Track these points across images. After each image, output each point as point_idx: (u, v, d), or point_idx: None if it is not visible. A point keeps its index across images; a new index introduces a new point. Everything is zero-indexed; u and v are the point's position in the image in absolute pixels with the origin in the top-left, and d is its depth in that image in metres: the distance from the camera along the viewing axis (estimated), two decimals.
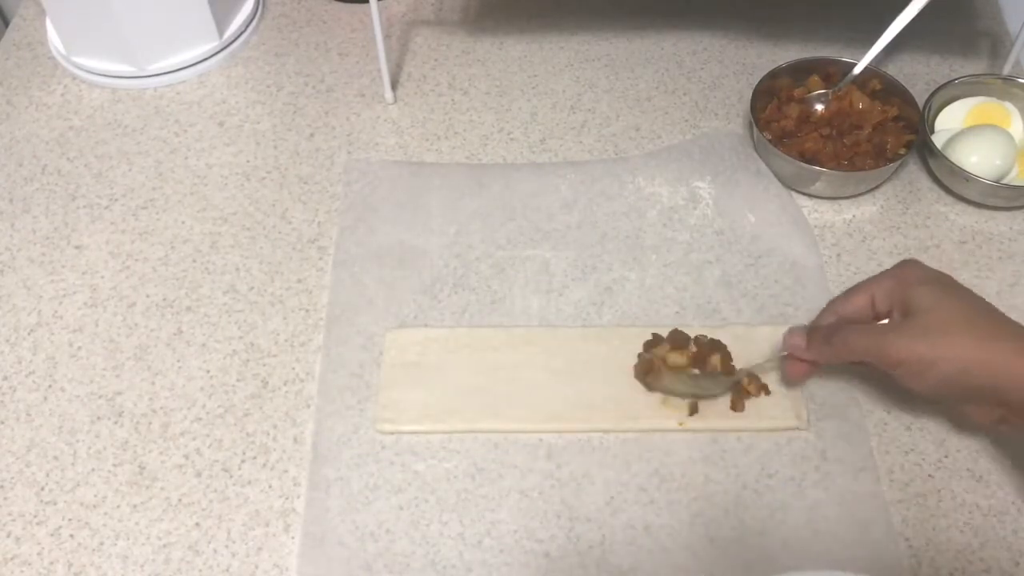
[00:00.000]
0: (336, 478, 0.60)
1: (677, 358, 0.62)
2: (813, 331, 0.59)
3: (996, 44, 0.86)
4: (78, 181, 0.78)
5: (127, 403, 0.65)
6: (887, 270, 0.58)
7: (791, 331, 0.60)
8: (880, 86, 0.77)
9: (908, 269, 0.57)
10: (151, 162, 0.80)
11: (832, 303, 0.60)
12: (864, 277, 0.69)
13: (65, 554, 0.58)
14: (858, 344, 0.55)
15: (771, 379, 0.63)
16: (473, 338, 0.66)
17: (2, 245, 0.74)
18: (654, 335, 0.64)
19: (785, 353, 0.60)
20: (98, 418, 0.64)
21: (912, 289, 0.54)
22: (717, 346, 0.63)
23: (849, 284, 0.69)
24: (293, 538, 0.58)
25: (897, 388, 0.55)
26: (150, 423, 0.63)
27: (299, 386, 0.65)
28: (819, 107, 0.77)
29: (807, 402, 0.62)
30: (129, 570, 0.57)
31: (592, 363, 0.64)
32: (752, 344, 0.64)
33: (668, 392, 0.62)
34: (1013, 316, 0.66)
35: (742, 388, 0.62)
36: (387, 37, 0.89)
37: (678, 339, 0.63)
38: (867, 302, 0.57)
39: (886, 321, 0.57)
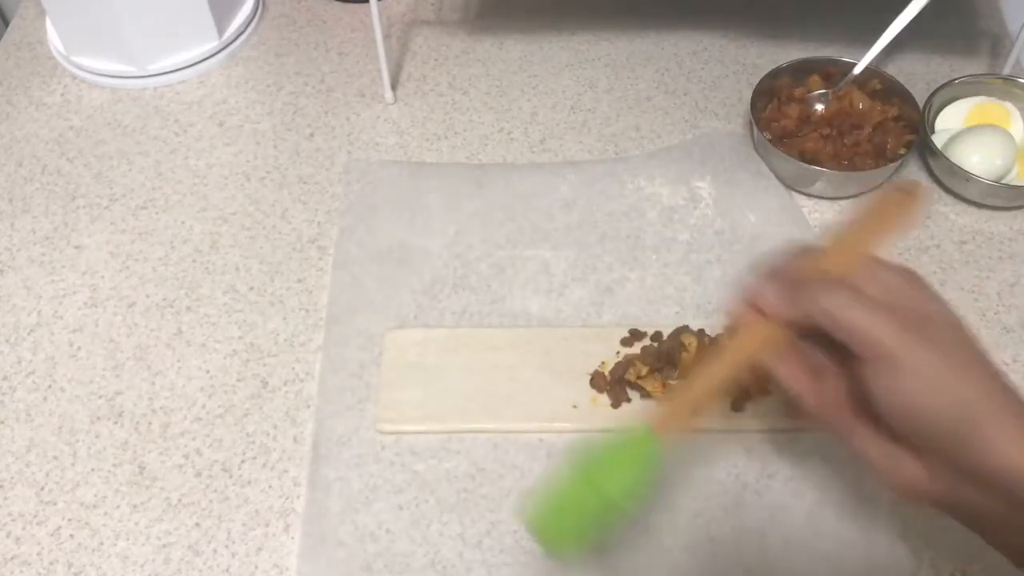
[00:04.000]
0: (336, 478, 0.60)
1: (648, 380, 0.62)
2: (776, 274, 0.45)
3: (996, 44, 0.86)
4: (78, 181, 0.78)
5: (127, 403, 0.65)
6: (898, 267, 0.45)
7: (757, 278, 0.45)
8: (880, 86, 0.77)
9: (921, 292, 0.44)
10: (151, 162, 0.80)
11: (809, 251, 0.47)
12: None
13: (65, 554, 0.58)
14: (841, 312, 0.41)
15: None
16: (473, 338, 0.66)
17: (2, 245, 0.74)
18: (631, 332, 0.65)
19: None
20: (98, 418, 0.64)
21: (925, 301, 0.43)
22: (681, 342, 0.62)
23: None
24: (293, 538, 0.58)
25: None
26: (150, 423, 0.63)
27: (299, 386, 0.65)
28: (819, 107, 0.77)
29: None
30: (129, 570, 0.57)
31: (592, 363, 0.64)
32: None
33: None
34: (1012, 316, 0.67)
35: (743, 388, 0.62)
36: (387, 37, 0.89)
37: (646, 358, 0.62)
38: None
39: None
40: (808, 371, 0.45)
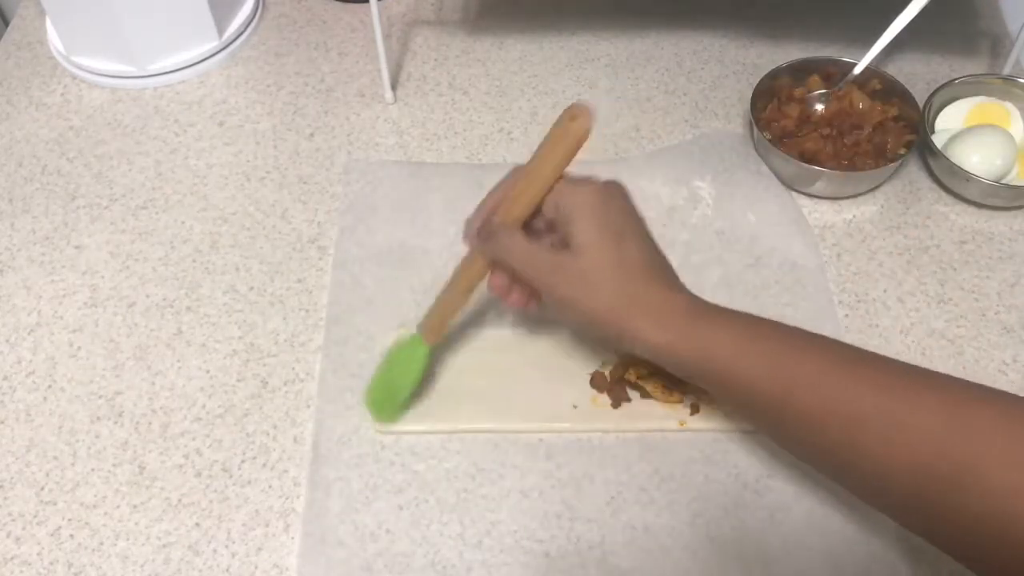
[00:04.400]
0: (336, 478, 0.60)
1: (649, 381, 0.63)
2: (479, 218, 0.58)
3: (996, 44, 0.86)
4: (78, 181, 0.78)
5: (127, 403, 0.65)
6: (578, 185, 0.55)
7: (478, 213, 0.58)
8: (880, 86, 0.77)
9: (591, 194, 0.55)
10: (151, 162, 0.80)
11: (503, 185, 0.58)
12: (864, 277, 0.69)
13: (65, 554, 0.58)
14: (519, 262, 0.55)
15: None
16: (473, 338, 0.66)
17: (2, 245, 0.74)
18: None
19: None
20: (98, 418, 0.64)
21: (578, 219, 0.54)
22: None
23: (849, 284, 0.69)
24: (293, 538, 0.58)
25: None
26: (150, 423, 0.63)
27: (299, 386, 0.65)
28: (819, 107, 0.77)
29: None
30: (129, 570, 0.57)
31: (592, 363, 0.64)
32: None
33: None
34: (1013, 316, 0.67)
35: None
36: (387, 37, 0.89)
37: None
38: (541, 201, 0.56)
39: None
40: (507, 280, 0.58)
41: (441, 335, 0.61)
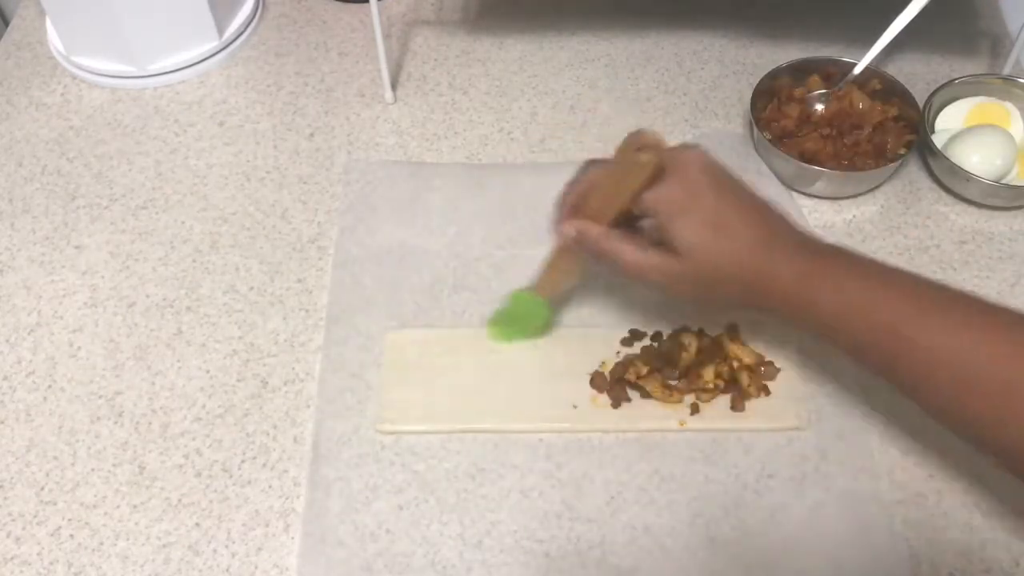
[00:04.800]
0: (336, 478, 0.60)
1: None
2: (565, 214, 0.60)
3: (996, 44, 0.86)
4: (78, 181, 0.78)
5: (127, 403, 0.65)
6: (660, 185, 0.55)
7: (563, 209, 0.60)
8: (880, 86, 0.77)
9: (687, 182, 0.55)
10: (151, 162, 0.80)
11: (581, 181, 0.59)
12: None
13: (65, 554, 0.58)
14: (632, 270, 0.57)
15: (770, 378, 0.63)
16: (473, 338, 0.66)
17: (2, 245, 0.74)
18: (631, 332, 0.65)
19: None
20: (98, 418, 0.64)
21: (672, 220, 0.55)
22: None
23: None
24: (293, 538, 0.58)
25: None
26: (150, 423, 0.63)
27: (299, 386, 0.65)
28: (819, 107, 0.77)
29: (807, 402, 0.62)
30: (129, 570, 0.57)
31: (592, 363, 0.64)
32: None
33: None
34: None
35: (742, 388, 0.62)
36: (387, 37, 0.89)
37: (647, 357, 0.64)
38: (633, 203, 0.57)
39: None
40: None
41: (552, 292, 0.65)
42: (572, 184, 0.60)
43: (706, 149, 0.56)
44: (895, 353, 0.50)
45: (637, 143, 0.56)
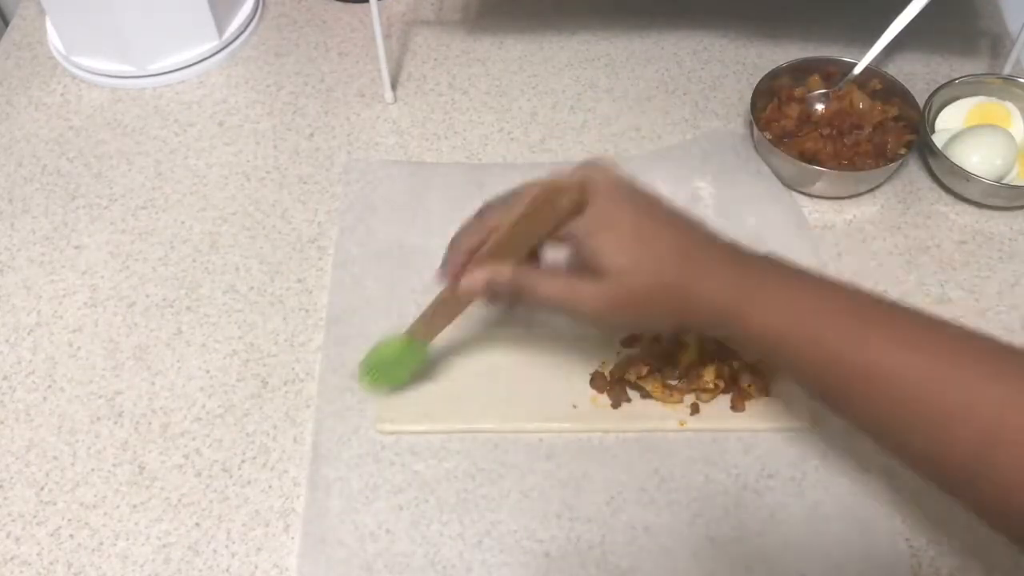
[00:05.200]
0: (336, 478, 0.60)
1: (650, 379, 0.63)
2: (457, 262, 0.55)
3: (996, 44, 0.86)
4: (78, 181, 0.78)
5: (127, 403, 0.65)
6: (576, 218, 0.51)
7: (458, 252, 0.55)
8: (880, 86, 0.77)
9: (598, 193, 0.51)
10: (151, 162, 0.80)
11: (494, 210, 0.54)
12: (864, 277, 0.69)
13: (65, 554, 0.58)
14: (551, 299, 0.53)
15: (771, 379, 0.63)
16: (473, 338, 0.66)
17: (2, 245, 0.74)
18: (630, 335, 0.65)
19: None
20: (98, 418, 0.64)
21: (594, 243, 0.51)
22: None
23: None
24: (293, 538, 0.58)
25: None
26: (150, 423, 0.63)
27: (299, 386, 0.65)
28: (819, 107, 0.77)
29: (807, 402, 0.62)
30: (129, 570, 0.57)
31: (592, 363, 0.64)
32: None
33: None
34: (1013, 316, 0.67)
35: (742, 388, 0.62)
36: (387, 37, 0.89)
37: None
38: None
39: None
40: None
41: (430, 337, 0.62)
42: (466, 230, 0.55)
43: (612, 162, 0.53)
44: (829, 368, 0.49)
45: (556, 188, 0.51)
